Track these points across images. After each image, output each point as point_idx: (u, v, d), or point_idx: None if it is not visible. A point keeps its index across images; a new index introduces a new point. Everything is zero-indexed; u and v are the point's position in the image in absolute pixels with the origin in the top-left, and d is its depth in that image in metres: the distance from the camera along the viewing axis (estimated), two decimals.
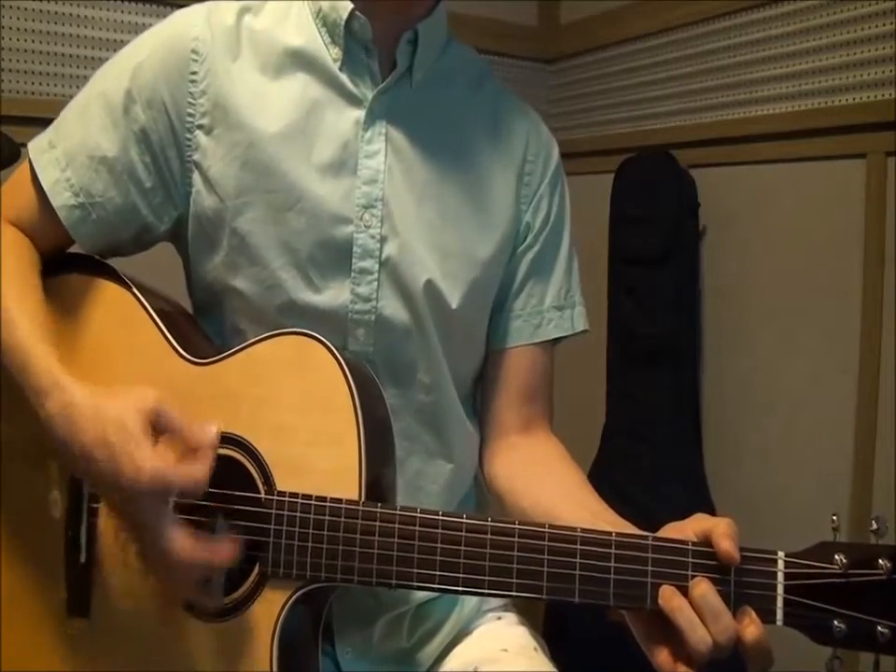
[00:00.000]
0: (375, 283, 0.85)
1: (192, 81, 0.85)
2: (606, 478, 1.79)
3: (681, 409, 1.80)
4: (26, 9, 1.52)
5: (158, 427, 0.73)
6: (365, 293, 0.85)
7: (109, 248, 0.90)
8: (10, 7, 1.50)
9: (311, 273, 0.85)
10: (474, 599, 0.97)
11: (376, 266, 0.85)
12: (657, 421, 1.81)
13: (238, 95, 0.85)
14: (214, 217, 0.86)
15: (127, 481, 0.70)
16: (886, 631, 0.66)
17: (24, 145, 1.33)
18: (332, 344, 0.78)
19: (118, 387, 0.75)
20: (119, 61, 0.88)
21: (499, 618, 0.99)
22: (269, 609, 0.75)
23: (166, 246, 0.94)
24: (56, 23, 1.56)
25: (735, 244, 1.77)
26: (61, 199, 0.86)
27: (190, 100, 0.85)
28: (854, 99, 1.49)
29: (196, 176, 0.86)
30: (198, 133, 0.86)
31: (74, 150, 0.86)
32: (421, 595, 0.92)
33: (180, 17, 0.88)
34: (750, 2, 1.67)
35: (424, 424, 0.91)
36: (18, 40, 1.52)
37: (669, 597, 0.69)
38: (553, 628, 1.80)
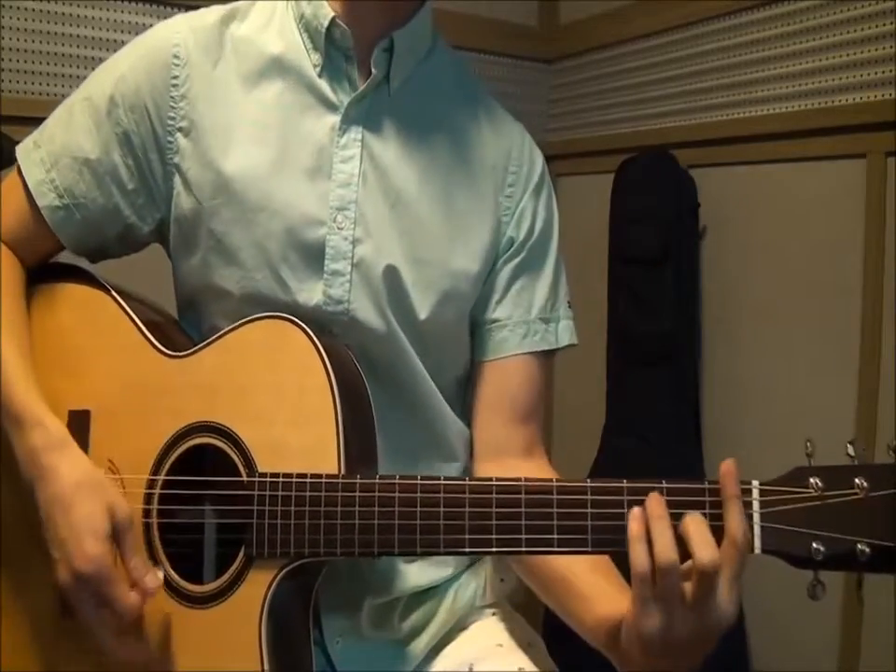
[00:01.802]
0: (347, 284, 0.86)
1: (174, 86, 0.87)
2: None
3: (681, 408, 1.81)
4: (26, 9, 1.52)
5: (115, 537, 0.75)
6: (337, 295, 0.86)
7: (96, 249, 0.92)
8: (10, 6, 1.50)
9: (284, 274, 0.86)
10: (468, 592, 0.97)
11: (348, 268, 0.86)
12: (657, 421, 1.82)
13: (216, 100, 0.87)
14: (192, 218, 0.88)
15: (73, 559, 0.73)
16: (866, 549, 0.66)
17: None
18: (309, 327, 0.80)
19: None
20: (105, 68, 0.91)
21: (494, 613, 0.99)
22: (255, 590, 0.76)
23: (156, 251, 0.95)
24: (56, 23, 1.56)
25: (735, 243, 1.77)
26: (45, 199, 0.88)
27: (171, 104, 0.87)
28: (854, 99, 1.49)
29: (177, 179, 0.88)
30: (178, 135, 0.87)
31: (58, 152, 0.88)
32: (411, 584, 0.92)
33: (163, 25, 0.91)
34: (750, 2, 1.67)
35: (414, 420, 0.91)
36: (18, 40, 1.52)
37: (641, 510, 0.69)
38: (553, 624, 1.80)
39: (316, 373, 0.78)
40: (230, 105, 0.87)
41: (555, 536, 0.71)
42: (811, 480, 0.68)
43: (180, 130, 0.87)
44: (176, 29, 0.89)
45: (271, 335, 0.80)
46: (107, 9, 1.60)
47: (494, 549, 0.73)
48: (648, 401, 1.83)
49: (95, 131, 0.88)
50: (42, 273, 0.89)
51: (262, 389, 0.79)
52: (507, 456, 0.94)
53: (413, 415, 0.91)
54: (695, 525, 0.67)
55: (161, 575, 0.76)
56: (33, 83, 1.54)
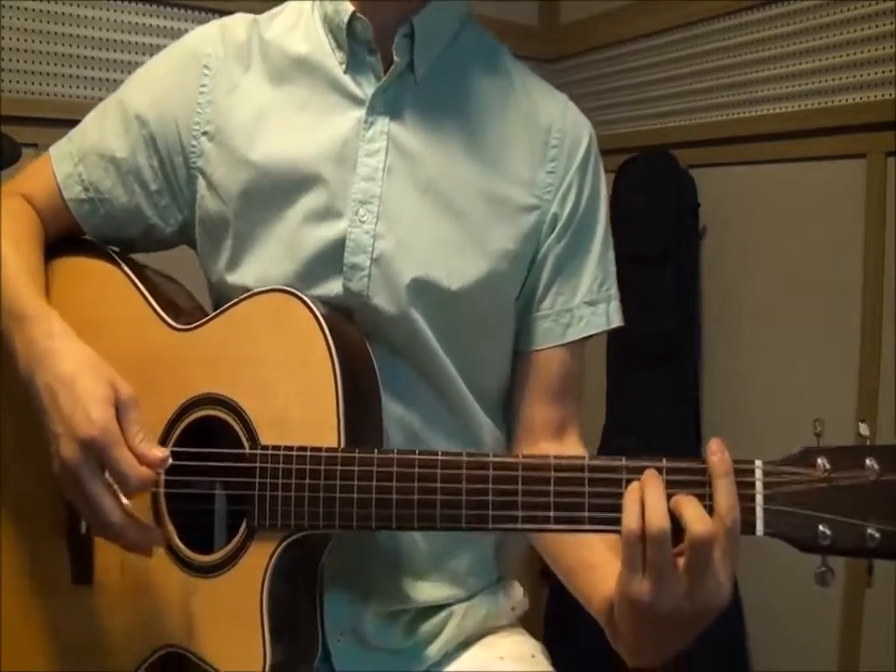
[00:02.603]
0: (366, 279, 0.85)
1: (202, 93, 0.90)
2: None
3: (681, 408, 1.81)
4: (26, 9, 1.52)
5: (118, 413, 0.75)
6: (356, 289, 0.85)
7: (121, 242, 0.95)
8: (10, 6, 1.50)
9: (307, 268, 0.86)
10: (480, 612, 0.95)
11: (368, 262, 0.85)
12: (657, 421, 1.82)
13: (243, 105, 0.89)
14: (217, 219, 0.89)
15: (77, 427, 0.72)
16: (876, 534, 0.63)
17: (24, 145, 1.34)
18: (310, 300, 0.80)
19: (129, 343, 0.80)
20: (140, 72, 0.95)
21: (501, 627, 0.98)
22: (257, 561, 0.77)
23: (190, 254, 0.97)
24: (56, 23, 1.55)
25: (735, 243, 1.77)
26: (72, 192, 0.92)
27: (198, 110, 0.90)
28: (854, 99, 1.49)
29: (201, 181, 0.90)
30: (203, 139, 0.90)
31: (87, 148, 0.92)
32: (422, 599, 0.91)
33: (199, 32, 0.94)
34: (750, 2, 1.67)
35: (437, 418, 0.90)
36: (18, 40, 1.52)
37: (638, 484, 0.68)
38: (550, 641, 1.80)
39: (318, 347, 0.78)
40: (257, 107, 0.89)
41: (552, 513, 0.71)
42: (819, 460, 0.66)
43: (205, 134, 0.90)
44: (209, 38, 0.92)
45: (274, 308, 0.81)
46: (107, 9, 1.60)
47: (490, 525, 0.72)
48: (648, 401, 1.83)
49: (123, 132, 0.91)
50: (55, 247, 0.91)
51: (265, 362, 0.80)
52: (539, 438, 0.94)
53: (437, 416, 0.90)
54: (687, 501, 0.67)
55: (167, 452, 0.75)
56: (33, 83, 1.54)
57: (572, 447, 0.95)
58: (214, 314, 0.85)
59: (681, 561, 0.66)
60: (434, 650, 0.92)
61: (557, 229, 0.91)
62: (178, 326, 0.85)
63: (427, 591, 0.91)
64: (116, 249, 0.93)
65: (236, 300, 0.84)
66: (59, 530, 0.85)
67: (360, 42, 0.88)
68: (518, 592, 1.01)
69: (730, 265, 1.78)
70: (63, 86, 1.57)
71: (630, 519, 0.67)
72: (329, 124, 0.87)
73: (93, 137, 0.92)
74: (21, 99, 1.52)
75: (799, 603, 1.59)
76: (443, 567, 0.92)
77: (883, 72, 1.44)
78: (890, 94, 1.43)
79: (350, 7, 0.87)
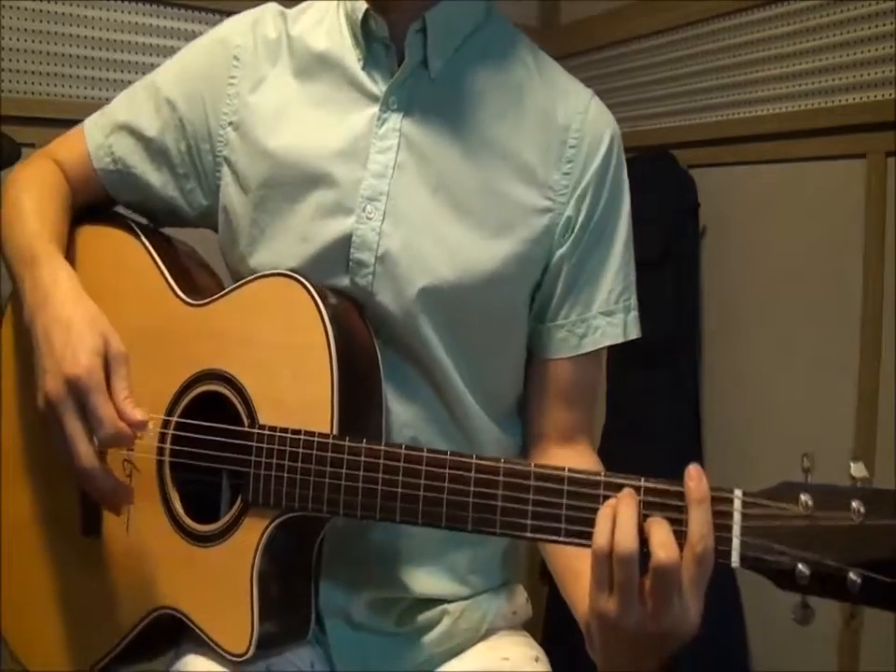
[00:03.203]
0: (371, 276, 0.86)
1: (231, 84, 0.92)
2: None
3: (681, 409, 1.80)
4: (26, 9, 1.52)
5: (106, 371, 0.76)
6: (362, 284, 0.86)
7: (145, 213, 0.98)
8: (10, 6, 1.50)
9: (316, 262, 0.87)
10: (476, 615, 0.95)
11: (372, 259, 0.85)
12: (657, 421, 1.82)
13: (267, 98, 0.91)
14: (239, 208, 0.91)
15: (64, 364, 0.74)
16: (857, 579, 0.61)
17: (24, 145, 1.34)
18: (313, 284, 0.82)
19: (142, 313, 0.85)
20: (175, 58, 0.98)
21: (503, 630, 0.98)
22: (250, 536, 0.79)
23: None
24: (56, 23, 1.55)
25: (735, 243, 1.77)
26: (101, 163, 0.95)
27: (227, 100, 0.92)
28: (854, 99, 1.49)
29: (225, 170, 0.92)
30: (229, 129, 0.92)
31: (119, 123, 0.95)
32: (417, 589, 0.91)
33: (230, 23, 0.96)
34: (750, 2, 1.67)
35: (436, 418, 0.89)
36: (18, 40, 1.52)
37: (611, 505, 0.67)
38: (551, 639, 1.80)
39: (316, 332, 0.80)
40: (280, 101, 0.91)
41: (529, 521, 0.71)
42: (802, 497, 0.63)
43: (231, 124, 0.92)
44: (240, 30, 0.94)
45: (278, 292, 0.83)
46: (107, 9, 1.60)
47: (469, 527, 0.73)
48: (648, 402, 1.83)
49: (154, 113, 0.94)
50: (82, 215, 0.95)
51: (267, 343, 0.82)
52: (549, 443, 0.93)
53: (440, 399, 0.89)
54: (657, 525, 0.66)
55: (147, 417, 0.76)
56: (33, 83, 1.54)
57: (581, 453, 0.93)
58: (223, 292, 0.87)
59: (647, 584, 0.65)
60: (428, 640, 0.92)
61: (572, 234, 0.88)
62: (190, 301, 0.88)
63: (422, 581, 0.91)
64: (142, 221, 0.97)
65: (244, 280, 0.86)
66: (71, 481, 0.85)
67: (376, 39, 0.88)
68: (521, 597, 1.01)
69: (730, 265, 1.78)
70: (63, 86, 1.57)
71: (600, 536, 0.66)
72: (345, 121, 0.88)
73: (125, 114, 0.95)
74: (21, 99, 1.52)
75: None
76: (442, 559, 0.92)
77: (883, 72, 1.44)
78: (890, 94, 1.43)
79: (364, 5, 0.88)
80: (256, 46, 0.93)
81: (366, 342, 0.85)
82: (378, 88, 0.88)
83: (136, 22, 1.63)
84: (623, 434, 1.87)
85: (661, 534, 0.65)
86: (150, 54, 1.63)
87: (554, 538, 0.70)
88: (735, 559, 0.65)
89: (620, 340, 0.92)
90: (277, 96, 0.91)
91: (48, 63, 1.56)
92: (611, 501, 0.68)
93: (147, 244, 0.92)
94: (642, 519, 0.66)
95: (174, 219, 0.98)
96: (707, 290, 1.83)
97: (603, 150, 0.90)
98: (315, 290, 0.81)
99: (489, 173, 0.87)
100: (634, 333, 0.92)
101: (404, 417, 0.88)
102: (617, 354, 1.90)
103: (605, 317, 0.90)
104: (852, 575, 0.61)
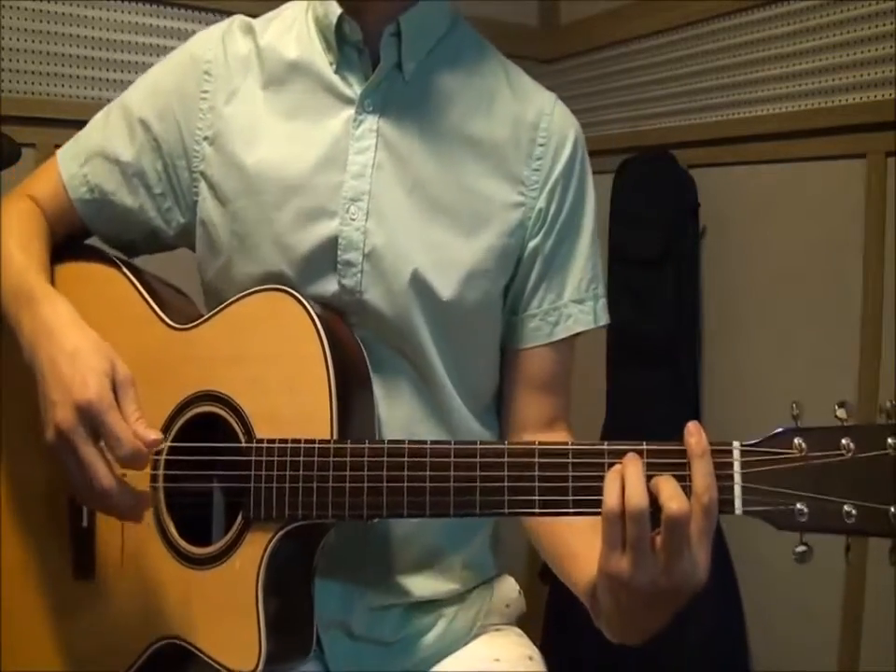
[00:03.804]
0: (359, 275, 0.87)
1: (203, 98, 0.92)
2: None
3: (681, 408, 1.80)
4: (26, 9, 1.52)
5: (115, 391, 0.76)
6: (350, 284, 0.87)
7: (126, 244, 0.97)
8: (10, 6, 1.50)
9: (302, 267, 0.87)
10: (470, 614, 0.96)
11: (360, 258, 0.87)
12: (657, 421, 1.81)
13: (242, 109, 0.91)
14: (217, 221, 0.91)
15: (74, 391, 0.74)
16: (853, 511, 0.65)
17: (24, 145, 1.34)
18: (303, 297, 0.82)
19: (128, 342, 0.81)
20: (143, 77, 0.97)
21: (497, 629, 0.99)
22: (253, 551, 0.78)
23: (187, 257, 0.98)
24: (56, 23, 1.55)
25: (735, 243, 1.77)
26: (77, 192, 0.94)
27: (200, 115, 0.92)
28: (854, 99, 1.49)
29: (202, 185, 0.92)
30: (204, 144, 0.92)
31: (93, 150, 0.94)
32: (413, 594, 0.91)
33: (199, 38, 0.96)
34: (750, 2, 1.67)
35: (420, 420, 0.91)
36: (18, 40, 1.52)
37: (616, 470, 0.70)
38: (551, 638, 1.80)
39: (311, 342, 0.80)
40: (255, 111, 0.91)
41: (537, 497, 0.72)
42: (795, 440, 0.68)
43: (206, 139, 0.92)
44: (209, 44, 0.94)
45: (268, 306, 0.83)
46: (107, 9, 1.60)
47: (478, 511, 0.74)
48: (648, 401, 1.83)
49: (128, 136, 0.93)
50: (57, 253, 0.93)
51: (259, 358, 0.82)
52: (527, 432, 0.95)
53: (423, 415, 0.90)
54: (664, 480, 0.69)
55: (161, 435, 0.76)
56: (33, 83, 1.54)
57: (562, 438, 0.95)
58: (210, 313, 0.87)
59: (659, 539, 0.68)
60: (425, 644, 0.93)
61: (544, 225, 0.92)
62: (177, 325, 0.87)
63: (419, 585, 0.92)
64: (118, 255, 0.95)
65: (232, 299, 0.86)
66: (60, 526, 0.86)
67: (349, 42, 0.89)
68: (513, 589, 1.01)
69: (730, 265, 1.78)
70: (63, 86, 1.57)
71: (610, 497, 0.69)
72: (321, 127, 0.89)
73: (99, 140, 0.94)
74: (21, 99, 1.52)
75: (799, 603, 1.58)
76: (438, 561, 0.93)
77: (883, 72, 1.44)
78: (890, 94, 1.43)
79: (338, 9, 0.88)
80: (226, 58, 0.93)
81: (356, 350, 0.86)
82: (352, 91, 0.89)
83: (136, 22, 1.63)
84: (623, 434, 1.86)
85: (669, 488, 0.68)
86: (150, 54, 1.63)
87: (563, 510, 0.72)
88: (738, 506, 0.69)
89: (591, 326, 0.95)
90: (250, 108, 0.91)
91: (48, 63, 1.56)
92: (617, 466, 0.71)
93: (128, 273, 0.92)
94: (647, 480, 0.69)
95: (152, 243, 0.98)
96: (707, 290, 1.83)
97: (569, 147, 0.94)
98: (307, 301, 0.82)
99: (464, 170, 0.90)
100: (603, 320, 0.96)
101: (392, 417, 0.89)
102: (617, 353, 1.93)
103: (576, 305, 0.94)
104: (847, 507, 0.65)
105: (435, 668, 0.94)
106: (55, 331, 0.79)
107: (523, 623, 1.02)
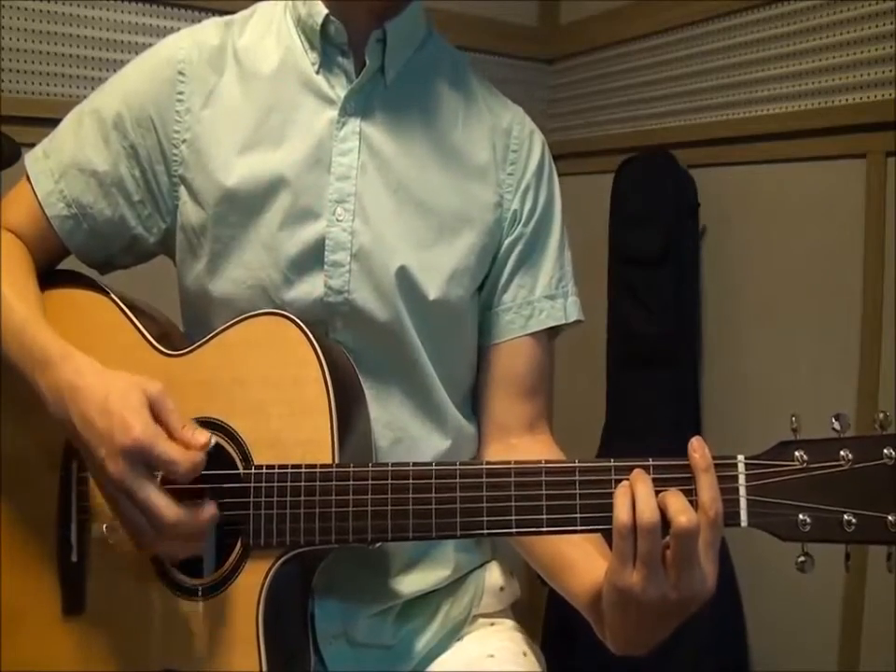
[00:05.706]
0: (347, 275, 0.87)
1: (179, 100, 0.90)
2: None
3: (681, 409, 1.80)
4: (26, 9, 1.52)
5: (155, 414, 0.74)
6: (337, 285, 0.87)
7: (104, 260, 0.95)
8: (10, 6, 1.50)
9: (287, 269, 0.87)
10: (465, 601, 0.97)
11: (347, 258, 0.87)
12: (657, 421, 1.81)
13: (219, 111, 0.90)
14: (197, 225, 0.90)
15: (117, 439, 0.71)
16: (853, 519, 0.67)
17: (24, 145, 1.34)
18: (304, 322, 0.82)
19: (125, 371, 0.78)
20: (114, 81, 0.94)
21: (492, 624, 0.99)
22: (253, 579, 0.77)
23: (162, 268, 0.97)
24: (56, 23, 1.55)
25: (735, 243, 1.77)
26: (54, 209, 0.91)
27: (177, 118, 0.90)
28: (854, 99, 1.49)
29: (182, 189, 0.91)
30: (182, 147, 0.90)
31: (66, 163, 0.91)
32: (411, 590, 0.92)
33: (170, 40, 0.93)
34: (750, 2, 1.67)
35: (412, 418, 0.91)
36: (18, 40, 1.52)
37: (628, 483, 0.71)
38: (552, 637, 1.80)
39: (310, 366, 0.79)
40: (234, 111, 0.90)
41: (545, 516, 0.73)
42: (796, 453, 0.70)
43: (185, 142, 0.90)
44: (182, 45, 0.92)
45: (265, 331, 0.82)
46: (107, 9, 1.60)
47: (485, 531, 0.74)
48: (648, 402, 1.83)
49: (103, 144, 0.90)
50: (44, 280, 0.90)
51: (258, 384, 0.81)
52: (510, 435, 0.96)
53: (411, 416, 0.91)
54: (672, 495, 0.70)
55: (210, 434, 0.75)
56: (33, 83, 1.54)
57: (544, 442, 0.97)
58: (205, 338, 0.85)
59: (668, 553, 0.69)
60: (423, 641, 0.94)
61: (517, 225, 0.95)
62: (170, 352, 0.85)
63: (415, 581, 0.93)
64: (107, 285, 0.92)
65: (227, 324, 0.84)
66: (50, 562, 0.84)
67: (334, 44, 0.90)
68: (506, 571, 1.02)
69: (730, 265, 1.78)
70: (63, 86, 1.57)
71: (621, 512, 0.70)
72: (302, 127, 0.89)
73: (72, 151, 0.91)
74: (21, 99, 1.52)
75: (799, 603, 1.58)
76: (431, 555, 0.94)
77: (883, 72, 1.44)
78: (890, 94, 1.43)
79: (323, 10, 0.89)
80: (200, 56, 0.91)
81: (350, 371, 0.86)
82: (335, 92, 0.90)
83: (136, 22, 1.63)
84: (623, 434, 1.87)
85: (678, 502, 0.69)
86: None
87: (571, 528, 0.73)
88: (743, 519, 0.71)
89: (563, 321, 0.97)
90: (228, 109, 0.90)
91: (48, 63, 1.56)
92: (625, 482, 0.71)
93: (117, 300, 0.89)
94: (655, 494, 0.70)
95: (134, 254, 0.96)
96: (707, 290, 1.83)
97: (538, 153, 0.98)
98: (305, 326, 0.81)
99: (445, 173, 0.92)
100: (574, 315, 0.98)
101: (384, 416, 0.89)
102: (617, 354, 1.93)
103: (548, 301, 0.97)
104: (847, 516, 0.68)
105: (429, 669, 0.94)
106: (80, 390, 0.76)
107: (522, 624, 1.02)
